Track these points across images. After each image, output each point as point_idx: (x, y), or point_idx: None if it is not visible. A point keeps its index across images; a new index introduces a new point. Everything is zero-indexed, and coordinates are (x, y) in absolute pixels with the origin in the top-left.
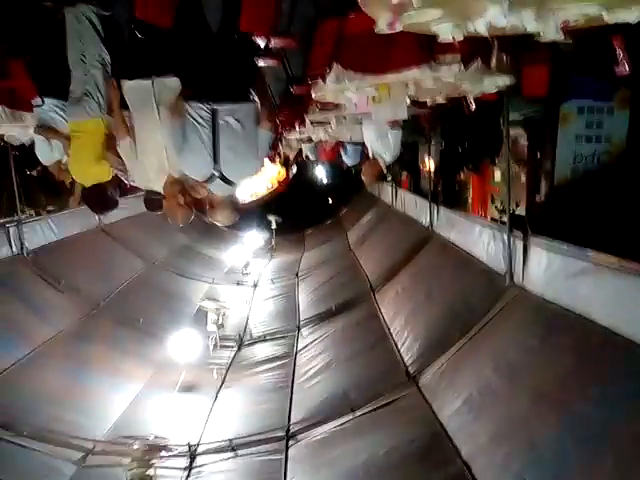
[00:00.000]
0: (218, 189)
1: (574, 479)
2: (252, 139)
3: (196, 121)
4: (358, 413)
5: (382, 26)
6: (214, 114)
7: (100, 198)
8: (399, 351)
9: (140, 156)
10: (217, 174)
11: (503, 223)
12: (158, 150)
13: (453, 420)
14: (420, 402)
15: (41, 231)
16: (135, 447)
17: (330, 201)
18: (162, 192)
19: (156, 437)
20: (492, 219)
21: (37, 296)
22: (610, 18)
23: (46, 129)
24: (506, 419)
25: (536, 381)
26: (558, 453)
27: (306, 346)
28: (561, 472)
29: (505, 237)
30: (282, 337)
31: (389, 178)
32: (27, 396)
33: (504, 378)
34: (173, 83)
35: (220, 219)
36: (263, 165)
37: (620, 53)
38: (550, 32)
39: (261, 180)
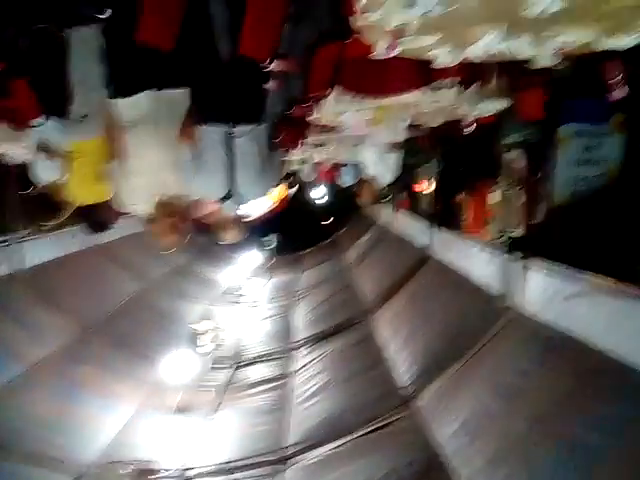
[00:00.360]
0: (230, 209)
1: None
2: (266, 159)
3: (212, 142)
4: (354, 436)
5: (380, 51)
6: (230, 135)
7: (97, 217)
8: (396, 373)
9: (129, 176)
10: (232, 194)
11: (501, 245)
12: (151, 170)
13: (450, 443)
14: (417, 425)
15: (38, 249)
16: (127, 471)
17: (328, 221)
18: (149, 215)
19: (148, 461)
20: (490, 241)
21: (32, 315)
22: (605, 44)
23: (45, 149)
24: (503, 442)
25: (533, 404)
26: (556, 477)
27: (303, 367)
28: None
29: (502, 259)
30: (279, 358)
31: (387, 199)
32: (17, 418)
33: (501, 401)
34: (177, 97)
35: (229, 237)
36: (276, 184)
37: (616, 78)
38: (545, 57)
39: (261, 200)
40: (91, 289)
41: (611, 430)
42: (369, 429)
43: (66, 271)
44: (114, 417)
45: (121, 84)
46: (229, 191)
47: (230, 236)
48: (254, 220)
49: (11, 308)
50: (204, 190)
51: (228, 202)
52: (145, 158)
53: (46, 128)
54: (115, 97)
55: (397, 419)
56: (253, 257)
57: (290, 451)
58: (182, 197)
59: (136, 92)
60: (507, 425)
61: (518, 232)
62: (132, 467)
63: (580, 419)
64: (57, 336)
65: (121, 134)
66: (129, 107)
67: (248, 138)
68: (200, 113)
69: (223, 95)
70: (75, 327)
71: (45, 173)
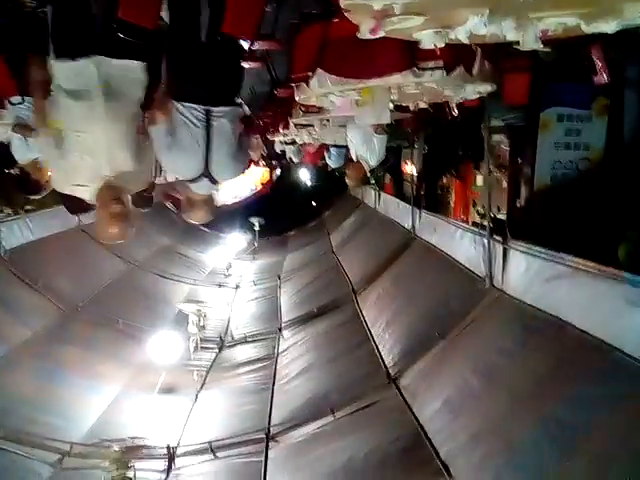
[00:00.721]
0: (201, 189)
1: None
2: (239, 140)
3: (189, 121)
4: (338, 415)
5: (365, 32)
6: (208, 115)
7: (77, 198)
8: (380, 353)
9: (69, 155)
10: (206, 174)
11: (484, 227)
12: (97, 147)
13: (433, 421)
14: (400, 403)
15: (19, 231)
16: (113, 449)
17: (313, 203)
18: (90, 199)
19: (135, 439)
20: (473, 223)
21: (14, 296)
22: (588, 29)
23: (23, 127)
24: (484, 420)
25: (514, 382)
26: (535, 453)
27: (288, 348)
28: (538, 472)
29: (485, 241)
30: (264, 339)
31: (372, 181)
32: (2, 397)
33: (483, 379)
34: (127, 69)
35: (198, 217)
36: (248, 166)
37: (598, 62)
38: (529, 41)
39: (244, 182)
40: (75, 270)
41: (592, 408)
42: (354, 408)
43: (49, 252)
44: (100, 396)
45: (63, 44)
46: (203, 170)
47: (200, 216)
48: (238, 202)
49: None
50: (177, 168)
51: (201, 182)
52: (90, 134)
53: (23, 107)
54: (56, 59)
55: (381, 398)
56: (238, 239)
57: (275, 430)
58: (133, 180)
59: (79, 55)
60: (489, 403)
61: (501, 214)
62: (118, 446)
63: (561, 397)
64: (41, 317)
65: (58, 104)
66: (68, 74)
67: (227, 119)
68: (178, 91)
69: (203, 74)
70: (59, 308)
71: (23, 152)
